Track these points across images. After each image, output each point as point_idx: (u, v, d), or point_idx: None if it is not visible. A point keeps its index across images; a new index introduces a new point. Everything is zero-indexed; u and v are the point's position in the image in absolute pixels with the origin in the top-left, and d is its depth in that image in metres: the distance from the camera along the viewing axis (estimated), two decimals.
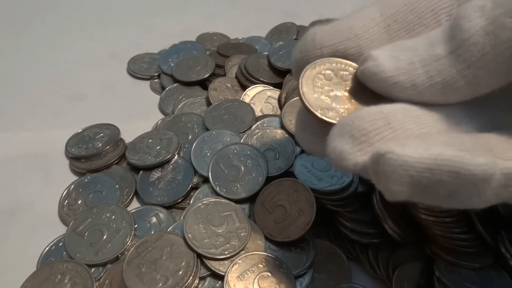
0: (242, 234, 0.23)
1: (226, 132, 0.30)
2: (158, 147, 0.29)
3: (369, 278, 0.23)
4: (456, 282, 0.21)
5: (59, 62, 0.39)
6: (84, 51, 0.41)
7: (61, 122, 0.33)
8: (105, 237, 0.24)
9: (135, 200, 0.27)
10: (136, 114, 0.34)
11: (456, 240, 0.22)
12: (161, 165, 0.28)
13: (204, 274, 0.23)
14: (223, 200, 0.25)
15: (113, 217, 0.25)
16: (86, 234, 0.24)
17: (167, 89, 0.35)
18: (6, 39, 0.42)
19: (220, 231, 0.24)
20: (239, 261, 0.22)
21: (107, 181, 0.28)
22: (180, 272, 0.22)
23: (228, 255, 0.23)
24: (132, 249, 0.23)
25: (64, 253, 0.24)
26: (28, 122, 0.33)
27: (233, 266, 0.22)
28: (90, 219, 0.25)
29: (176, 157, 0.28)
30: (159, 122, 0.32)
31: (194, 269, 0.22)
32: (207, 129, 0.30)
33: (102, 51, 0.41)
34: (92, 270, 0.23)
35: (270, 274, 0.22)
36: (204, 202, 0.25)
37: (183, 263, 0.22)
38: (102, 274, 0.23)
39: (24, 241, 0.25)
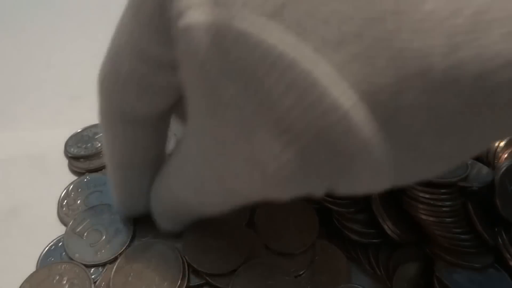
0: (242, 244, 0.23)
1: None
2: None
3: (369, 278, 0.23)
4: (456, 282, 0.21)
5: (59, 62, 0.39)
6: (84, 51, 0.41)
7: (61, 122, 0.33)
8: (104, 237, 0.24)
9: None
10: None
11: (456, 240, 0.22)
12: None
13: (199, 283, 0.22)
14: None
15: (111, 217, 0.25)
16: (85, 234, 0.24)
17: None
18: (5, 39, 0.42)
19: (217, 245, 0.22)
20: (242, 273, 0.22)
21: (106, 181, 0.27)
22: (165, 284, 0.21)
23: (230, 270, 0.22)
24: (121, 257, 0.23)
25: (64, 253, 0.24)
26: (28, 122, 0.33)
27: (235, 278, 0.21)
28: (89, 220, 0.25)
29: None
30: None
31: (180, 281, 0.21)
32: None
33: (102, 51, 0.40)
34: (92, 270, 0.23)
35: (274, 282, 0.22)
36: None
37: (169, 275, 0.22)
38: (99, 277, 0.23)
39: (23, 241, 0.25)
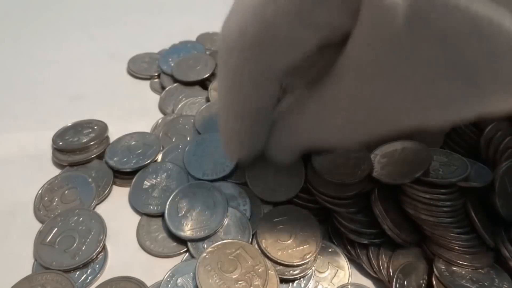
0: (260, 269, 0.22)
1: (218, 134, 0.29)
2: (139, 151, 0.29)
3: (369, 278, 0.23)
4: (456, 282, 0.21)
5: (59, 62, 0.39)
6: (84, 51, 0.41)
7: (61, 122, 0.33)
8: (77, 240, 0.24)
9: (118, 192, 0.28)
10: (136, 113, 0.34)
11: (456, 240, 0.22)
12: (135, 171, 0.28)
13: None
14: (226, 241, 0.23)
15: (80, 219, 0.25)
16: (57, 242, 0.24)
17: (167, 89, 0.35)
18: (6, 39, 0.42)
19: (237, 275, 0.22)
20: None
21: (78, 177, 0.28)
22: None
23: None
24: None
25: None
26: (28, 122, 0.33)
27: None
28: (56, 228, 0.25)
29: (169, 164, 0.28)
30: (159, 121, 0.32)
31: None
32: (198, 132, 0.30)
33: (102, 51, 0.41)
34: (77, 273, 0.23)
35: None
36: (208, 250, 0.23)
37: None
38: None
39: (23, 241, 0.25)
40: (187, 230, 0.24)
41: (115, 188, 0.28)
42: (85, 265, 0.23)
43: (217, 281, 0.21)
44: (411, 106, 0.17)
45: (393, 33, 0.14)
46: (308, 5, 0.16)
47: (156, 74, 0.38)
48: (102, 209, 0.27)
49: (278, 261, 0.23)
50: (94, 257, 0.23)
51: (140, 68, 0.38)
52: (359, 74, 0.17)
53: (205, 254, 0.22)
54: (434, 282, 0.22)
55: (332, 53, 0.19)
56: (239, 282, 0.21)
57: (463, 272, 0.22)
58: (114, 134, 0.31)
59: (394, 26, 0.14)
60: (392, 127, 0.19)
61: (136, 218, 0.26)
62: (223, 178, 0.27)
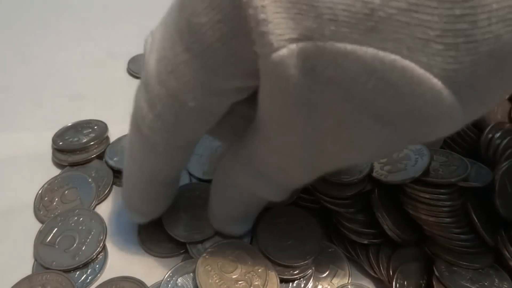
0: (260, 269, 0.22)
1: None
2: None
3: (369, 278, 0.23)
4: (456, 282, 0.21)
5: (59, 62, 0.39)
6: (83, 51, 0.41)
7: (61, 122, 0.33)
8: (77, 240, 0.24)
9: (118, 192, 0.28)
10: None
11: (456, 240, 0.22)
12: None
13: None
14: (225, 241, 0.23)
15: (80, 219, 0.25)
16: (57, 242, 0.24)
17: None
18: (6, 39, 0.42)
19: (237, 275, 0.22)
20: None
21: (78, 177, 0.28)
22: None
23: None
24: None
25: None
26: (28, 122, 0.33)
27: None
28: (56, 228, 0.25)
29: None
30: None
31: None
32: None
33: (102, 51, 0.41)
34: (77, 273, 0.23)
35: None
36: (208, 250, 0.23)
37: None
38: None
39: (23, 241, 0.25)
40: (184, 232, 0.24)
41: (115, 188, 0.28)
42: (85, 265, 0.23)
43: (217, 281, 0.21)
44: (337, 149, 0.17)
45: (290, 84, 0.14)
46: (208, 75, 0.16)
47: None
48: (102, 209, 0.27)
49: (278, 262, 0.23)
50: (94, 257, 0.23)
51: (140, 68, 0.38)
52: (278, 125, 0.17)
53: (205, 254, 0.22)
54: (434, 282, 0.22)
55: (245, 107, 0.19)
56: (239, 282, 0.22)
57: (463, 272, 0.22)
58: (114, 134, 0.31)
59: (289, 78, 0.14)
60: (336, 165, 0.19)
61: None
62: None
